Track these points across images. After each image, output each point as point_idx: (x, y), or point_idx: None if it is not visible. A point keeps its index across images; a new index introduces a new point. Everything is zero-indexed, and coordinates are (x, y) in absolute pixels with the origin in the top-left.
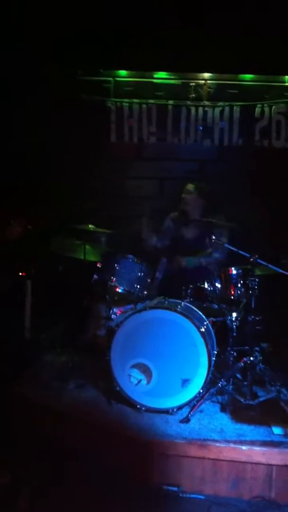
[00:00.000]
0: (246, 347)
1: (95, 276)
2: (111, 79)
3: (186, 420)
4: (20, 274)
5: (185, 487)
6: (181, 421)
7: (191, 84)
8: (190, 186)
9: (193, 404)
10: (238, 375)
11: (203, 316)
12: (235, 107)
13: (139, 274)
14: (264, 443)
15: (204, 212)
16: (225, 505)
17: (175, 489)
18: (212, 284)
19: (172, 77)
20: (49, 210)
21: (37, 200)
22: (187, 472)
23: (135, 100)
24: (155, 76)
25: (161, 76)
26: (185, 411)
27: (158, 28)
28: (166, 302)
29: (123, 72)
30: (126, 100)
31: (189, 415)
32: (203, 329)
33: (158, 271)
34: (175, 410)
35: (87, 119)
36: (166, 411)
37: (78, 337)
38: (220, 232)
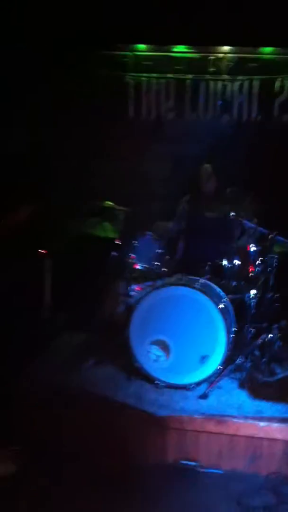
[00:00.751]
0: (265, 324)
1: (114, 253)
2: (129, 53)
3: (205, 396)
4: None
5: (202, 462)
6: (200, 397)
7: (210, 57)
8: (206, 166)
9: (212, 380)
10: (257, 352)
11: (222, 293)
12: (254, 82)
13: (158, 251)
14: (282, 420)
15: (222, 191)
16: (242, 480)
17: (192, 464)
18: (230, 261)
19: (191, 50)
20: (66, 188)
21: (53, 178)
22: (205, 447)
23: (153, 75)
24: (174, 50)
25: (180, 49)
26: (203, 387)
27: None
28: (185, 279)
29: (141, 46)
30: (145, 74)
31: (208, 391)
32: (221, 306)
33: (177, 253)
34: (193, 386)
35: (105, 95)
36: (184, 387)
37: (97, 315)
38: (238, 209)
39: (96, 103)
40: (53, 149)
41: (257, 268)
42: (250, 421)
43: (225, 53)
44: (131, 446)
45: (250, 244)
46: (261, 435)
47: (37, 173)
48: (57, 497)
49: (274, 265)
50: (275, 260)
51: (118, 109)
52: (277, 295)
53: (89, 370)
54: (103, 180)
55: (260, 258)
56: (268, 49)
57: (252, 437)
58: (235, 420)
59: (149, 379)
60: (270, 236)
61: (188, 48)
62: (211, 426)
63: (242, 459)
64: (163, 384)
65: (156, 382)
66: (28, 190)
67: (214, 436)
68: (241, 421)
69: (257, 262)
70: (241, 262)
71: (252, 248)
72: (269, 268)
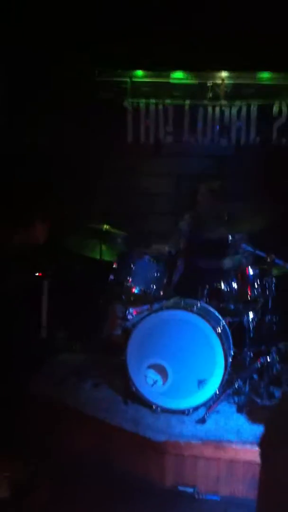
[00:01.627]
0: (263, 348)
1: (111, 276)
2: (127, 79)
3: (202, 420)
4: (37, 274)
5: (200, 488)
6: (197, 422)
7: (208, 83)
8: (205, 186)
9: (209, 404)
10: (255, 376)
11: (220, 317)
12: (252, 106)
13: (155, 274)
14: None
15: (220, 212)
16: (241, 506)
17: (190, 490)
18: (228, 284)
19: (189, 77)
20: (66, 210)
21: (53, 200)
22: (203, 473)
23: (152, 100)
24: (172, 76)
25: (177, 76)
26: (201, 412)
27: (175, 28)
28: (183, 303)
29: (139, 73)
30: (143, 100)
31: (205, 415)
32: (219, 330)
33: (174, 275)
34: (191, 410)
35: (104, 120)
36: (182, 412)
37: (94, 337)
38: (238, 232)
39: (95, 127)
40: (50, 173)
41: (255, 291)
42: (249, 446)
43: (222, 78)
44: (128, 471)
45: (248, 266)
46: (260, 460)
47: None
48: None
49: (272, 288)
50: (273, 282)
51: (117, 133)
52: (276, 318)
53: (86, 393)
54: (101, 203)
55: (258, 281)
56: (265, 74)
57: (251, 462)
58: (233, 445)
59: (146, 403)
60: (268, 259)
61: (186, 75)
62: (209, 451)
63: (240, 485)
64: (160, 409)
65: (153, 406)
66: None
67: (212, 462)
68: (239, 446)
69: (255, 285)
70: (239, 285)
71: (251, 270)
72: (268, 291)
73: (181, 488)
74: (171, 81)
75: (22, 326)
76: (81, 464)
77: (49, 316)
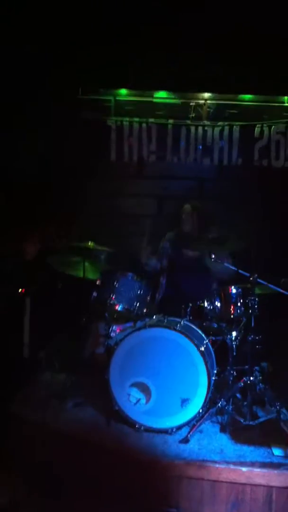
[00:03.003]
0: (246, 367)
1: (94, 294)
2: (111, 98)
3: (186, 440)
4: (20, 291)
5: (184, 508)
6: (181, 442)
7: (191, 104)
8: (188, 206)
9: (193, 424)
10: (238, 395)
11: (203, 335)
12: (234, 127)
13: (139, 292)
14: (264, 465)
15: (203, 232)
16: None
17: (173, 510)
18: (211, 302)
19: (172, 97)
20: (48, 228)
21: (36, 219)
22: (186, 493)
23: (135, 119)
24: (155, 95)
25: (161, 95)
26: (184, 431)
27: (158, 48)
28: (166, 321)
29: (123, 91)
30: (127, 119)
31: (189, 435)
32: (202, 348)
33: (158, 293)
34: (174, 430)
35: (87, 138)
36: (165, 431)
37: (76, 355)
38: (219, 251)
39: (78, 146)
40: (34, 190)
41: (238, 310)
42: (232, 466)
43: (205, 99)
44: (111, 491)
45: (231, 286)
46: (243, 480)
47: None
48: None
49: (255, 307)
50: (256, 301)
51: (100, 150)
52: (259, 337)
53: (68, 412)
54: (84, 221)
55: (241, 300)
56: (247, 97)
57: (234, 483)
58: (216, 465)
59: (129, 422)
60: (251, 278)
61: (169, 94)
62: (192, 472)
63: (224, 505)
64: (143, 428)
65: (136, 426)
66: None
67: (195, 482)
68: (222, 466)
69: (238, 304)
70: (223, 304)
71: (233, 290)
72: (250, 310)
73: (164, 509)
74: (154, 100)
75: (3, 344)
76: (63, 485)
77: (31, 333)
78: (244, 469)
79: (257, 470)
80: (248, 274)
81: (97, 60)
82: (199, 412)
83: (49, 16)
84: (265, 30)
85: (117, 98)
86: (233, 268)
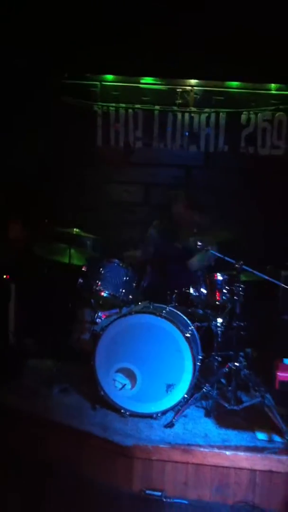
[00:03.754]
0: (231, 353)
1: (80, 280)
2: (97, 83)
3: (171, 425)
4: (4, 277)
5: (168, 492)
6: (166, 426)
7: (177, 90)
8: (175, 195)
9: (178, 409)
10: (223, 380)
11: (188, 321)
12: (221, 114)
13: (125, 278)
14: (248, 449)
15: (190, 220)
16: (208, 509)
17: (158, 494)
18: (197, 289)
19: (159, 82)
20: (35, 214)
21: (21, 205)
22: (171, 477)
23: (121, 105)
24: (142, 81)
25: (147, 81)
26: (169, 416)
27: (145, 33)
28: (151, 307)
29: (109, 77)
30: (113, 104)
31: (174, 420)
32: (188, 334)
33: (144, 280)
34: (159, 415)
35: (73, 124)
36: (150, 416)
37: (63, 342)
38: (205, 238)
39: (64, 131)
40: (21, 176)
41: (223, 296)
42: (216, 450)
43: (192, 86)
44: (96, 476)
45: (217, 272)
46: (227, 464)
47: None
48: None
49: (240, 294)
50: (242, 288)
51: (86, 136)
52: (244, 323)
53: (55, 398)
54: (70, 207)
55: (227, 287)
56: (234, 83)
57: (218, 466)
58: (201, 449)
59: (115, 408)
60: (236, 265)
61: (156, 80)
62: (177, 456)
63: (208, 489)
64: (128, 413)
65: (121, 410)
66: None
67: (180, 466)
68: (207, 450)
69: (224, 290)
70: (208, 290)
71: (219, 276)
72: (236, 297)
73: (148, 492)
74: (141, 86)
75: None
76: (49, 470)
77: (16, 320)
78: (228, 453)
79: (241, 454)
80: (233, 261)
81: (83, 44)
82: (184, 397)
83: (48, 16)
84: (251, 20)
85: (103, 83)
86: (219, 255)
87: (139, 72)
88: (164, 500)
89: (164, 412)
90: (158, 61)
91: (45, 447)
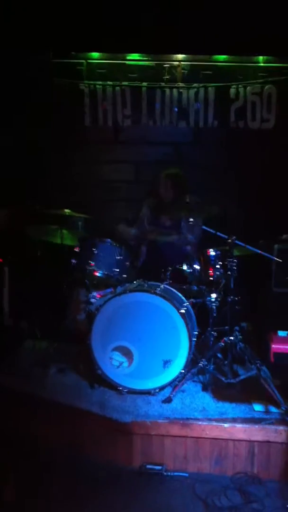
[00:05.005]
0: (226, 327)
1: (73, 261)
2: (83, 61)
3: (168, 400)
4: None
5: (168, 466)
6: (164, 401)
7: (164, 65)
8: (165, 173)
9: (175, 384)
10: (219, 355)
11: (183, 298)
12: (209, 89)
13: (118, 257)
14: (245, 420)
15: (180, 197)
16: (208, 482)
17: (158, 468)
18: (191, 266)
19: (145, 58)
20: (23, 196)
21: (10, 186)
22: (170, 451)
23: (108, 83)
24: (128, 58)
25: (134, 57)
26: (167, 392)
27: (130, 9)
28: (146, 285)
29: (95, 54)
30: (100, 82)
31: (171, 395)
32: (183, 311)
33: (138, 260)
34: (157, 391)
35: (60, 103)
36: (148, 392)
37: (58, 322)
38: (197, 215)
39: (52, 111)
40: (10, 157)
41: (217, 272)
42: (214, 423)
43: (179, 61)
44: (96, 453)
45: (210, 248)
46: (226, 436)
47: None
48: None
49: (234, 269)
50: (235, 263)
51: (74, 116)
52: (238, 298)
53: (52, 378)
54: (61, 187)
55: (220, 262)
56: (222, 57)
57: (217, 439)
58: (199, 422)
59: (112, 385)
60: (229, 240)
61: (142, 56)
62: (176, 430)
63: (207, 461)
64: (126, 390)
65: (119, 388)
66: None
67: (179, 440)
68: (205, 423)
69: (217, 266)
70: (202, 266)
71: (212, 252)
72: (229, 272)
73: (149, 466)
74: (127, 62)
75: None
76: (49, 449)
77: (11, 302)
78: (226, 425)
79: (238, 425)
80: (226, 236)
81: (68, 22)
82: (181, 373)
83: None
84: None
85: (89, 61)
86: (211, 230)
87: (124, 48)
88: (165, 473)
89: (161, 388)
90: (144, 37)
91: (44, 427)
